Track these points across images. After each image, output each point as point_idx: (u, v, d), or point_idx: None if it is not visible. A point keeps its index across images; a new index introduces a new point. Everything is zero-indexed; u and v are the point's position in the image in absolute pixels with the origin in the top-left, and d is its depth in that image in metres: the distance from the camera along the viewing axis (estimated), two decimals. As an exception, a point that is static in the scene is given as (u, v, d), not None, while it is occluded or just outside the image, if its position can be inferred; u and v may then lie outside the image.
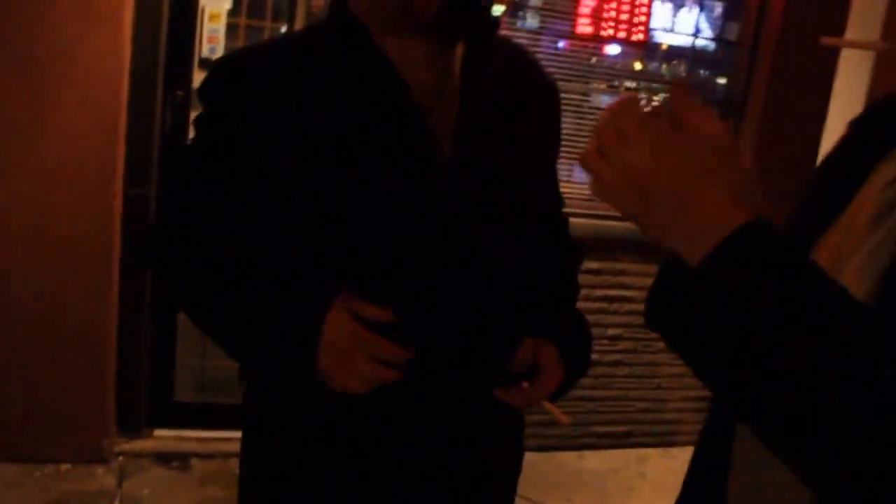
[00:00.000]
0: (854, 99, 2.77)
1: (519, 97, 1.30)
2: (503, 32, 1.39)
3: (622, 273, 3.76)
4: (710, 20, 3.90)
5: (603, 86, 3.83)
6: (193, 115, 3.02)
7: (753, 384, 0.67)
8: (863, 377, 0.63)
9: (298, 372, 1.19)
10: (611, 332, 3.80)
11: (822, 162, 0.99)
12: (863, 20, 2.84)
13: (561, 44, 3.65)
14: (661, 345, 3.77)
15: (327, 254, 1.19)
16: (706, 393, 0.92)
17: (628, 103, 0.74)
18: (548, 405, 1.32)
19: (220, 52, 4.47)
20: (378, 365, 1.16)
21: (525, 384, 1.29)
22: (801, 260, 0.69)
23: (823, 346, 0.64)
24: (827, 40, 2.71)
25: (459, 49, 1.27)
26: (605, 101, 3.82)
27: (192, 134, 1.32)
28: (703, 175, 0.71)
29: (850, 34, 2.88)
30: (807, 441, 0.66)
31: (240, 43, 4.86)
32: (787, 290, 0.66)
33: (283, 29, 4.99)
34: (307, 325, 1.17)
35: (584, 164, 0.75)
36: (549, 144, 1.40)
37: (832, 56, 3.03)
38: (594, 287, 3.72)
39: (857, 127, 0.97)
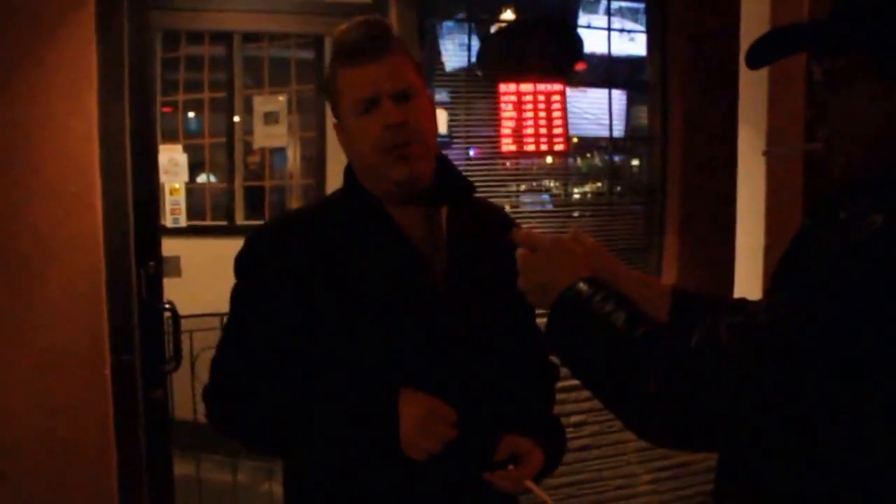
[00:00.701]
0: (756, 171, 3.18)
1: (493, 242, 1.65)
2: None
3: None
4: (622, 112, 4.32)
5: (523, 188, 4.21)
6: (165, 281, 3.29)
7: (577, 368, 1.25)
8: (620, 362, 1.18)
9: (385, 445, 1.50)
10: (574, 419, 4.05)
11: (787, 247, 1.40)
12: (751, 104, 3.26)
13: (473, 153, 4.03)
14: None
15: (357, 367, 1.54)
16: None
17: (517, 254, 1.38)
18: (531, 485, 1.60)
19: (183, 222, 4.80)
20: (447, 425, 1.49)
21: (511, 467, 1.58)
22: (596, 299, 1.24)
23: (599, 349, 1.21)
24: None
25: (444, 209, 1.67)
26: (531, 203, 4.20)
27: (230, 306, 1.67)
28: (550, 271, 1.32)
29: (742, 118, 3.32)
30: (600, 391, 1.23)
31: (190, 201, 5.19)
32: (581, 320, 1.24)
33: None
34: (386, 405, 1.50)
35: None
36: None
37: (733, 140, 3.45)
38: (554, 380, 3.98)
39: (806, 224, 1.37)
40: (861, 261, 1.05)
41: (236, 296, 1.66)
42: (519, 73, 3.96)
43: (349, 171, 1.69)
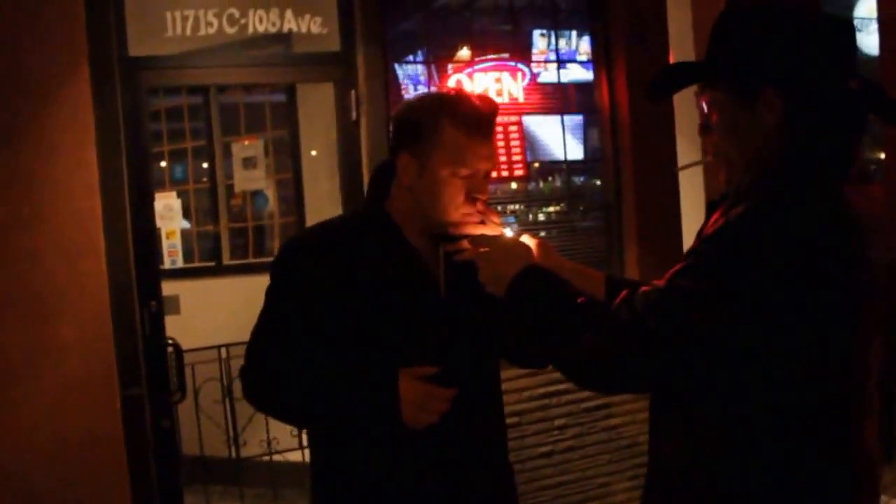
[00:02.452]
0: (695, 182, 3.53)
1: None
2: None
3: (554, 370, 4.31)
4: (575, 132, 4.60)
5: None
6: (166, 318, 3.55)
7: (531, 336, 1.63)
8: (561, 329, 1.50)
9: (392, 421, 1.82)
10: (557, 422, 4.32)
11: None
12: (686, 121, 3.60)
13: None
14: (603, 424, 4.36)
15: (375, 359, 1.86)
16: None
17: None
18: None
19: (180, 263, 5.07)
20: (439, 402, 1.81)
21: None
22: (540, 282, 1.57)
23: (545, 319, 1.54)
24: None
25: None
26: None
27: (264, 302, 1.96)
28: (502, 263, 1.66)
29: (679, 132, 3.66)
30: (547, 351, 1.60)
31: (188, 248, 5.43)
32: (529, 298, 1.57)
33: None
34: (390, 392, 1.81)
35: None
36: None
37: (674, 154, 3.79)
38: (535, 387, 4.25)
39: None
40: (727, 236, 1.38)
41: (269, 294, 1.94)
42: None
43: (376, 194, 1.99)
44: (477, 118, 1.85)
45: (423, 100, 1.94)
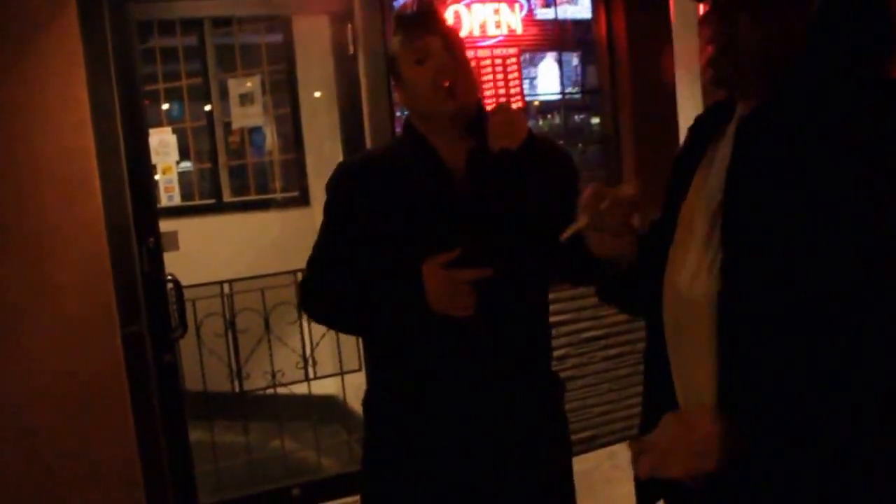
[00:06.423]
0: (693, 111, 3.48)
1: (536, 169, 2.04)
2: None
3: (555, 301, 4.33)
4: (571, 71, 4.58)
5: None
6: (165, 255, 3.54)
7: None
8: None
9: (420, 311, 1.92)
10: (558, 353, 4.36)
11: (675, 157, 1.65)
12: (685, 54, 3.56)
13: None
14: (602, 354, 4.39)
15: (405, 257, 1.96)
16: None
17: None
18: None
19: (177, 200, 5.04)
20: (466, 288, 1.87)
21: None
22: None
23: None
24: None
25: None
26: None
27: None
28: None
29: (678, 65, 3.61)
30: None
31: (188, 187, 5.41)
32: None
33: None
34: (415, 282, 1.90)
35: None
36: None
37: (673, 87, 3.75)
38: (535, 320, 4.28)
39: (691, 131, 1.63)
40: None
41: (325, 209, 2.11)
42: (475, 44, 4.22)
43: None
44: (411, 14, 1.99)
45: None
